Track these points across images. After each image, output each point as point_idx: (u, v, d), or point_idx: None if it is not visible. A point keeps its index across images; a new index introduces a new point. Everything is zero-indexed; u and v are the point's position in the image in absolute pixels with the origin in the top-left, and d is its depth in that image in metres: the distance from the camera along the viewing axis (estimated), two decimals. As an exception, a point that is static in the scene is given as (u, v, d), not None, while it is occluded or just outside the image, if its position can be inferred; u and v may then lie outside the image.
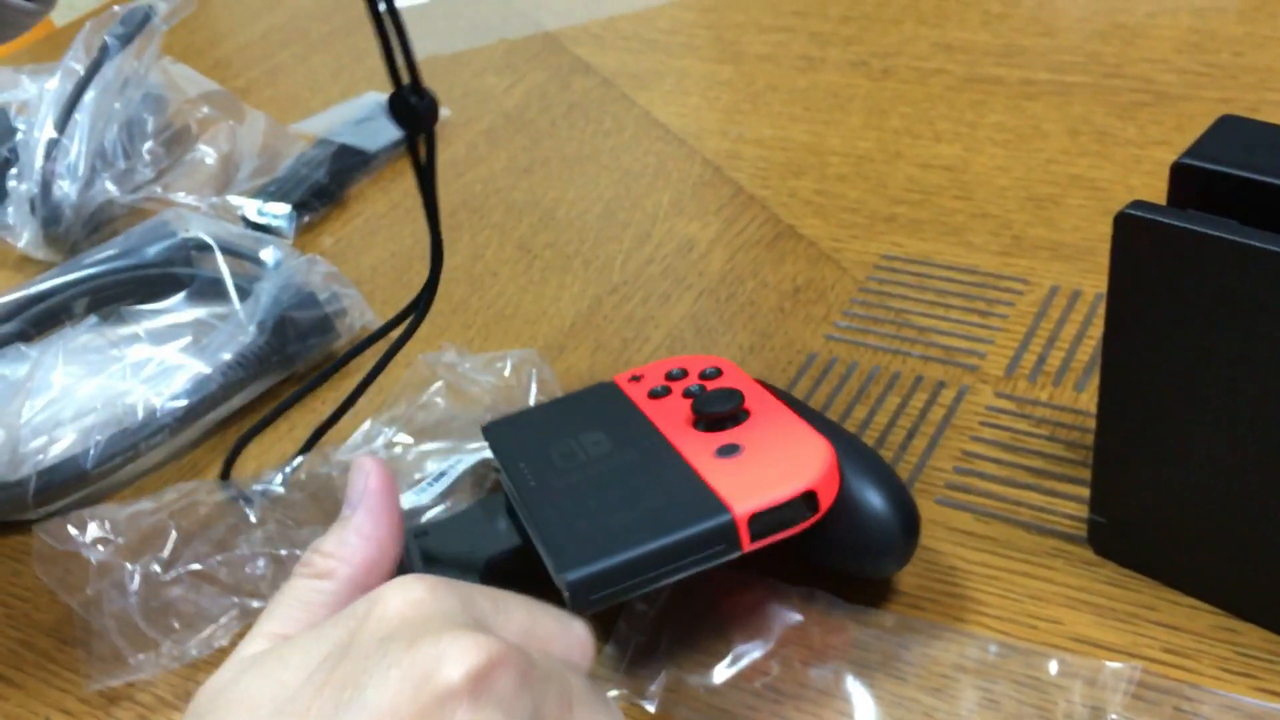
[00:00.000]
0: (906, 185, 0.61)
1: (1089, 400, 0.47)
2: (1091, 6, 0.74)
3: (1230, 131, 0.36)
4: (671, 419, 0.40)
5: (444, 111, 0.73)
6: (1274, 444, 0.34)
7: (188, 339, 0.54)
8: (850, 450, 0.38)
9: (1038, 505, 0.43)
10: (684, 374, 0.44)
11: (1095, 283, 0.53)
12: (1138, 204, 0.34)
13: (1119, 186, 0.58)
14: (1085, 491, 0.42)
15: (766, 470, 0.36)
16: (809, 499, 0.36)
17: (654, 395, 0.43)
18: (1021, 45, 0.71)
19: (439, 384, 0.49)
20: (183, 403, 0.50)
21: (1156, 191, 0.57)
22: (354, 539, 0.34)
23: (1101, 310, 0.50)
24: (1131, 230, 0.34)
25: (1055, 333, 0.50)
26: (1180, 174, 0.35)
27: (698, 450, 0.38)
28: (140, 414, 0.50)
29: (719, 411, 0.39)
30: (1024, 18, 0.74)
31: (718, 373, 0.43)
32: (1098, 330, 0.50)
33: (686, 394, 0.42)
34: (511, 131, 0.72)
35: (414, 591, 0.28)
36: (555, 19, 0.84)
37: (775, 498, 0.35)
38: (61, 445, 0.49)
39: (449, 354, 0.50)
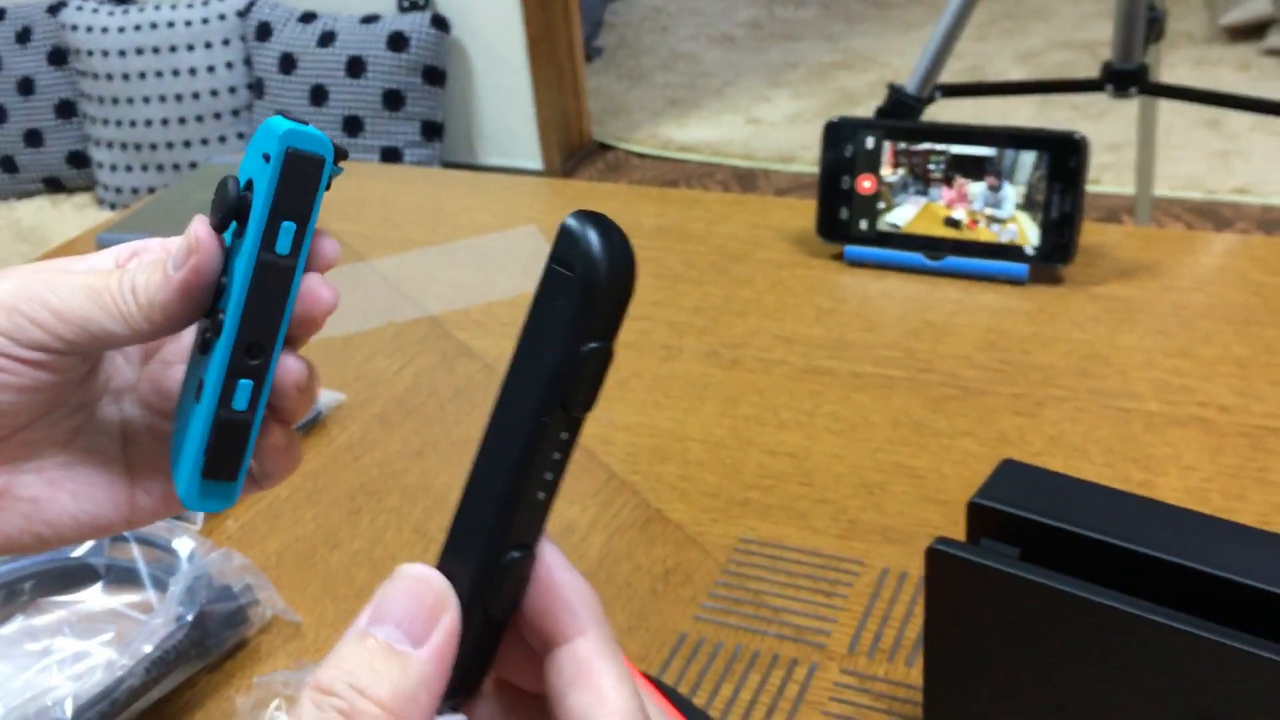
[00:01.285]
0: (758, 471, 0.70)
1: (918, 675, 0.55)
2: (906, 305, 0.86)
3: (1012, 473, 0.46)
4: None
5: (339, 395, 0.80)
6: (1059, 730, 0.43)
7: (110, 633, 0.58)
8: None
9: (880, 775, 0.50)
10: (577, 666, 0.51)
11: (918, 565, 0.62)
12: (941, 540, 0.43)
13: (934, 474, 0.69)
14: (918, 762, 0.50)
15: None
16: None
17: (552, 688, 0.49)
18: (848, 339, 0.83)
19: (276, 701, 0.54)
20: (108, 698, 0.54)
21: (963, 480, 0.68)
22: (423, 695, 0.26)
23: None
24: (937, 560, 0.43)
25: (888, 612, 0.59)
26: (975, 510, 0.45)
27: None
28: (68, 712, 0.53)
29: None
30: (850, 313, 0.86)
31: (607, 666, 0.50)
32: (920, 610, 0.59)
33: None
34: (403, 415, 0.79)
35: None
36: (438, 303, 0.93)
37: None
38: (-10, 744, 0.52)
39: (280, 674, 0.55)
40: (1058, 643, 0.42)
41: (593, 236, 0.26)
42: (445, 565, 0.29)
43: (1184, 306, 0.82)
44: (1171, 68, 1.30)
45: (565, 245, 0.27)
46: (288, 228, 0.34)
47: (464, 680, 0.29)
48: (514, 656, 0.31)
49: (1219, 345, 0.78)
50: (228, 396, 0.35)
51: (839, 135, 0.90)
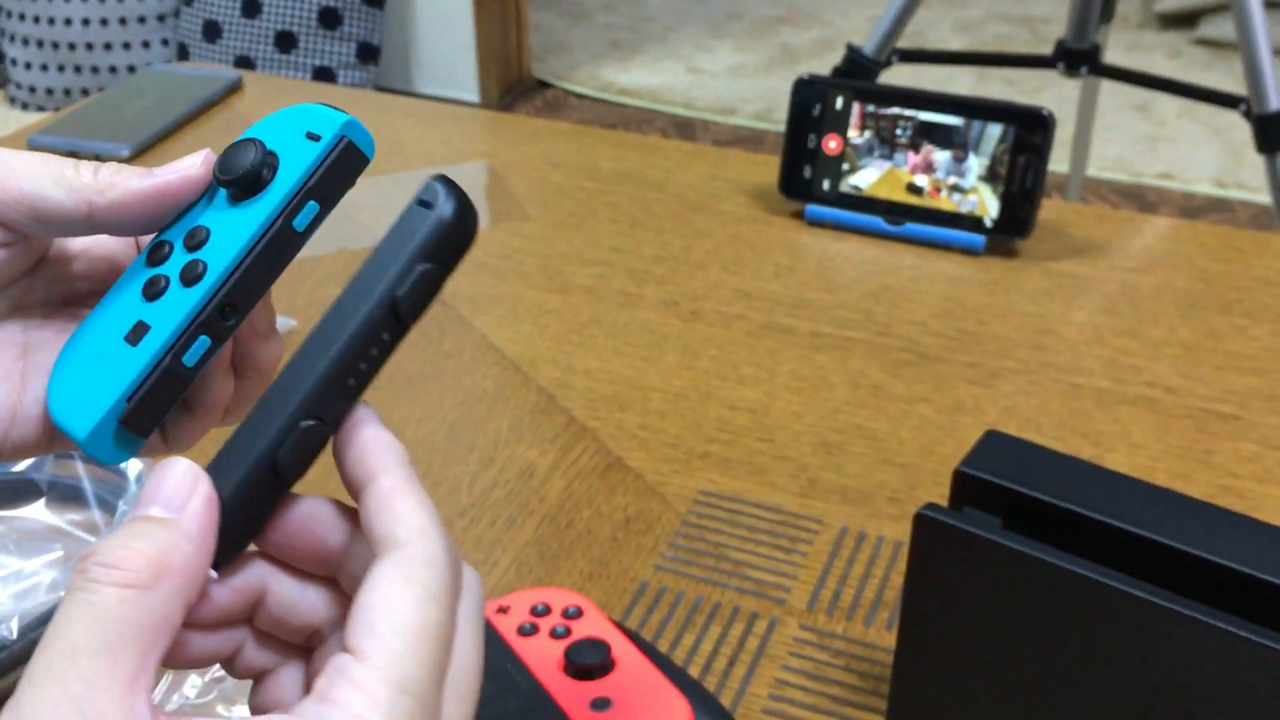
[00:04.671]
0: (717, 425, 0.71)
1: (875, 634, 0.56)
2: (864, 268, 0.87)
3: (996, 445, 0.46)
4: (543, 662, 0.47)
5: (290, 321, 0.78)
6: (1041, 711, 0.44)
7: (58, 552, 0.56)
8: (697, 699, 0.45)
9: (839, 730, 0.51)
10: (547, 610, 0.50)
11: (876, 526, 0.63)
12: (929, 506, 0.44)
13: (892, 438, 0.70)
14: (877, 718, 0.51)
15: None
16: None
17: (523, 633, 0.49)
18: (808, 298, 0.83)
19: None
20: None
21: (920, 445, 0.69)
22: (188, 547, 0.29)
23: (883, 552, 0.60)
24: (924, 526, 0.44)
25: (846, 571, 0.60)
26: (960, 478, 0.45)
27: (572, 701, 0.44)
28: (14, 632, 0.52)
29: (590, 663, 0.45)
30: (809, 272, 0.86)
31: (579, 612, 0.50)
32: (880, 570, 0.60)
33: (554, 635, 0.49)
34: (356, 346, 0.77)
35: None
36: (392, 233, 0.91)
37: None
38: (-69, 661, 0.50)
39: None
40: (1034, 612, 0.43)
41: (454, 191, 0.33)
42: (247, 426, 0.32)
43: (1133, 287, 0.84)
44: (1105, 51, 1.33)
45: (429, 191, 0.33)
46: (312, 208, 0.34)
47: (237, 535, 0.32)
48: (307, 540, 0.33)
49: (1165, 327, 0.80)
50: (181, 349, 0.34)
51: (808, 93, 0.90)
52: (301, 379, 0.32)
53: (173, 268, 0.34)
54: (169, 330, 0.34)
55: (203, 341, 0.34)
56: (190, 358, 0.34)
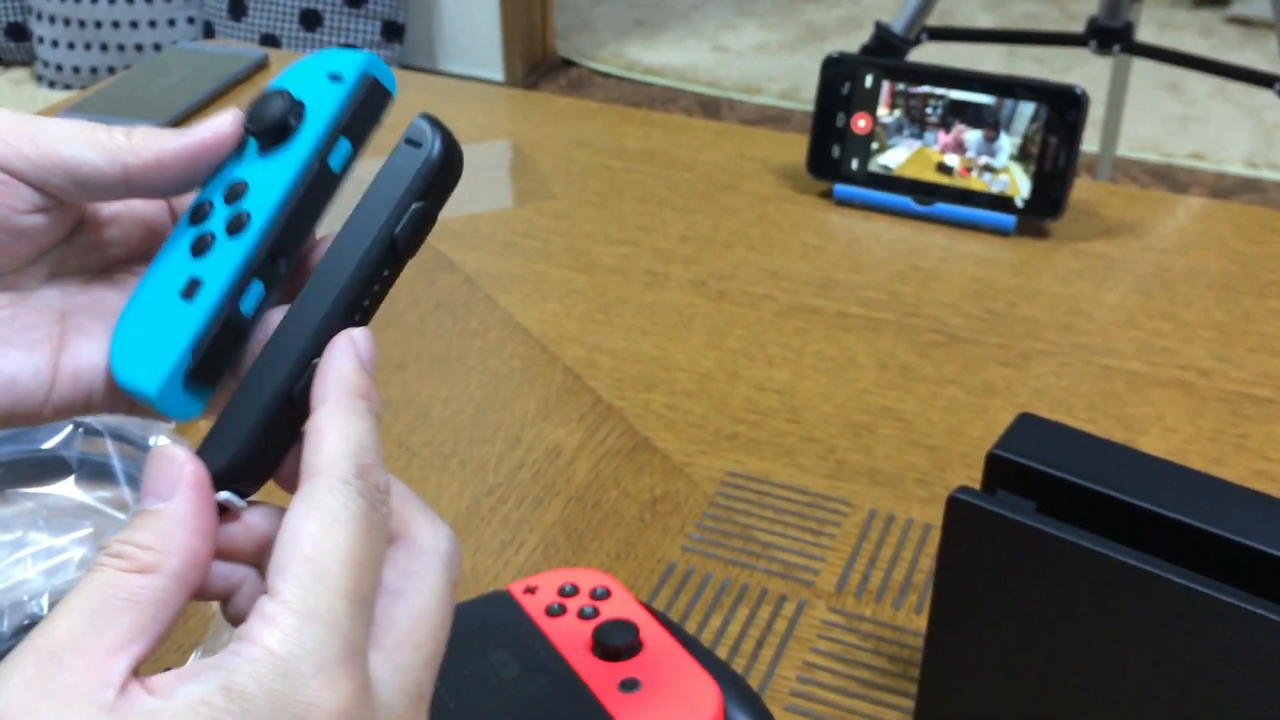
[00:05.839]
0: (745, 406, 0.70)
1: (905, 617, 0.56)
2: (893, 248, 0.86)
3: (1029, 427, 0.46)
4: (571, 642, 0.47)
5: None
6: (1071, 696, 0.43)
7: (88, 529, 0.56)
8: (725, 681, 0.45)
9: (867, 714, 0.51)
10: (575, 591, 0.50)
11: (905, 508, 0.62)
12: (962, 489, 0.43)
13: (921, 420, 0.69)
14: (907, 702, 0.50)
15: (666, 711, 0.43)
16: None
17: (551, 614, 0.49)
18: (836, 279, 0.82)
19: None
20: (85, 595, 0.53)
21: (949, 427, 0.68)
22: (180, 531, 0.30)
23: (911, 535, 0.60)
24: (957, 509, 0.43)
25: (875, 554, 0.60)
26: (993, 461, 0.45)
27: (601, 682, 0.44)
28: (45, 608, 0.52)
29: (618, 644, 0.45)
30: (837, 252, 0.86)
31: (606, 593, 0.50)
32: (909, 552, 0.59)
33: (582, 615, 0.48)
34: (383, 326, 0.77)
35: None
36: (418, 212, 0.90)
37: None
38: (-36, 636, 0.50)
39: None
40: (1067, 596, 0.42)
41: (440, 130, 0.34)
42: (262, 363, 0.33)
43: (1165, 268, 0.83)
44: (1136, 28, 1.31)
45: (417, 131, 0.34)
46: (344, 146, 0.35)
47: (258, 468, 0.33)
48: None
49: (1199, 309, 0.79)
50: (237, 297, 0.35)
51: (837, 72, 0.89)
52: (310, 317, 0.33)
53: (217, 222, 0.35)
54: (222, 281, 0.34)
55: (256, 287, 0.35)
56: (247, 305, 0.35)
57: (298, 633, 0.28)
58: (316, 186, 0.35)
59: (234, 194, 0.35)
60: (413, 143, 0.34)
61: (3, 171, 0.34)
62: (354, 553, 0.30)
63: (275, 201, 0.34)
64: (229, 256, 0.35)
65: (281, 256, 0.35)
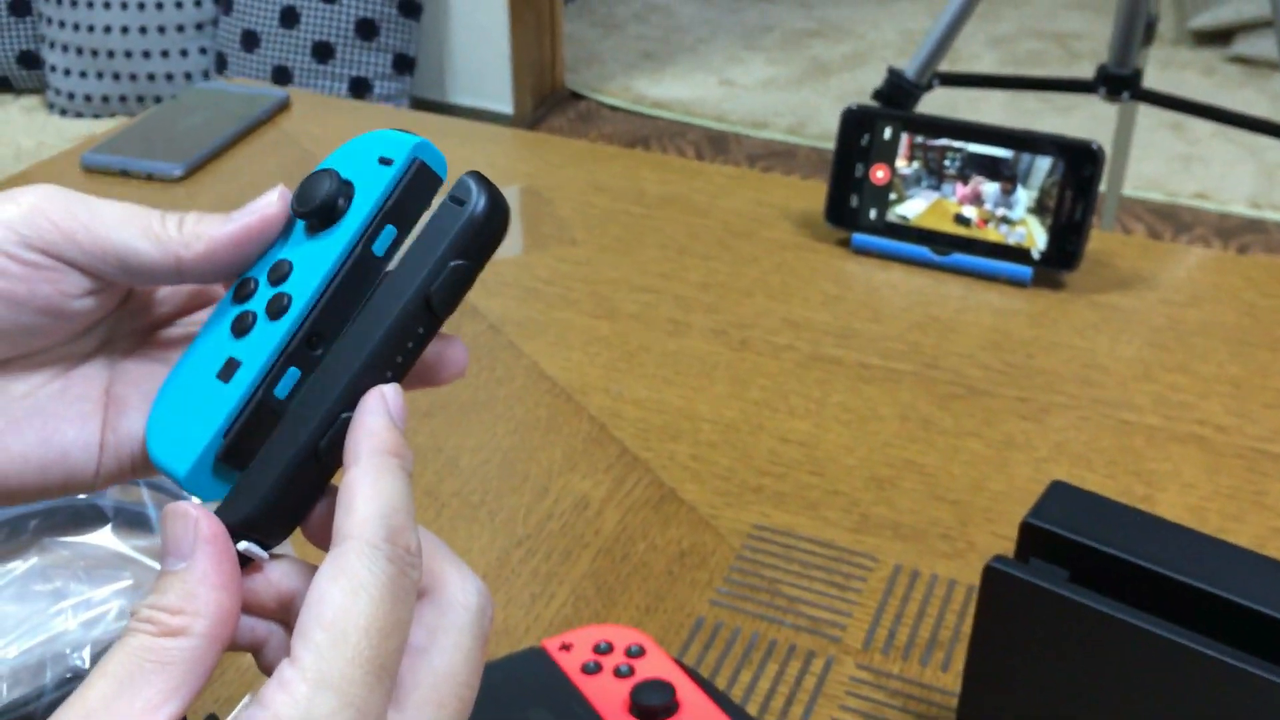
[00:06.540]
0: (769, 458, 0.71)
1: (932, 675, 0.57)
2: (911, 298, 0.87)
3: (1062, 495, 0.47)
4: (608, 702, 0.47)
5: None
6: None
7: (126, 581, 0.57)
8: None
9: (898, 773, 0.51)
10: (610, 648, 0.51)
11: (929, 564, 0.63)
12: (999, 559, 0.44)
13: (943, 473, 0.70)
14: (936, 763, 0.51)
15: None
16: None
17: (587, 671, 0.50)
18: (855, 328, 0.83)
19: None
20: (125, 647, 0.54)
21: (971, 481, 0.69)
22: (203, 590, 0.30)
23: (936, 591, 0.61)
24: (992, 578, 0.44)
25: (900, 610, 0.60)
26: (1027, 530, 0.46)
27: (643, 741, 0.45)
28: (87, 661, 0.53)
29: (655, 704, 0.46)
30: (856, 301, 0.87)
31: (641, 650, 0.51)
32: (934, 609, 0.60)
33: (619, 674, 0.49)
34: (409, 371, 0.78)
35: None
36: (442, 257, 0.91)
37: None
38: (9, 688, 0.51)
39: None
40: (1102, 665, 0.43)
41: (486, 187, 0.34)
42: (293, 416, 0.34)
43: (1180, 321, 0.84)
44: (1144, 74, 1.33)
45: (463, 188, 0.34)
46: (389, 232, 0.35)
47: (280, 521, 0.34)
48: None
49: (1214, 363, 0.80)
50: (273, 382, 0.35)
51: (857, 123, 0.90)
52: (341, 372, 0.33)
53: (259, 303, 0.35)
54: (259, 364, 0.34)
55: (292, 373, 0.35)
56: (281, 389, 0.35)
57: (308, 701, 0.29)
58: (358, 272, 0.35)
59: (277, 274, 0.35)
60: (457, 200, 0.34)
61: (57, 259, 0.34)
62: (376, 621, 0.30)
63: (316, 285, 0.34)
64: (267, 340, 0.35)
65: (320, 343, 0.35)
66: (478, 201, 0.33)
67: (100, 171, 1.03)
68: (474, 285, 0.35)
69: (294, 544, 0.36)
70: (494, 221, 0.34)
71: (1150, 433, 0.73)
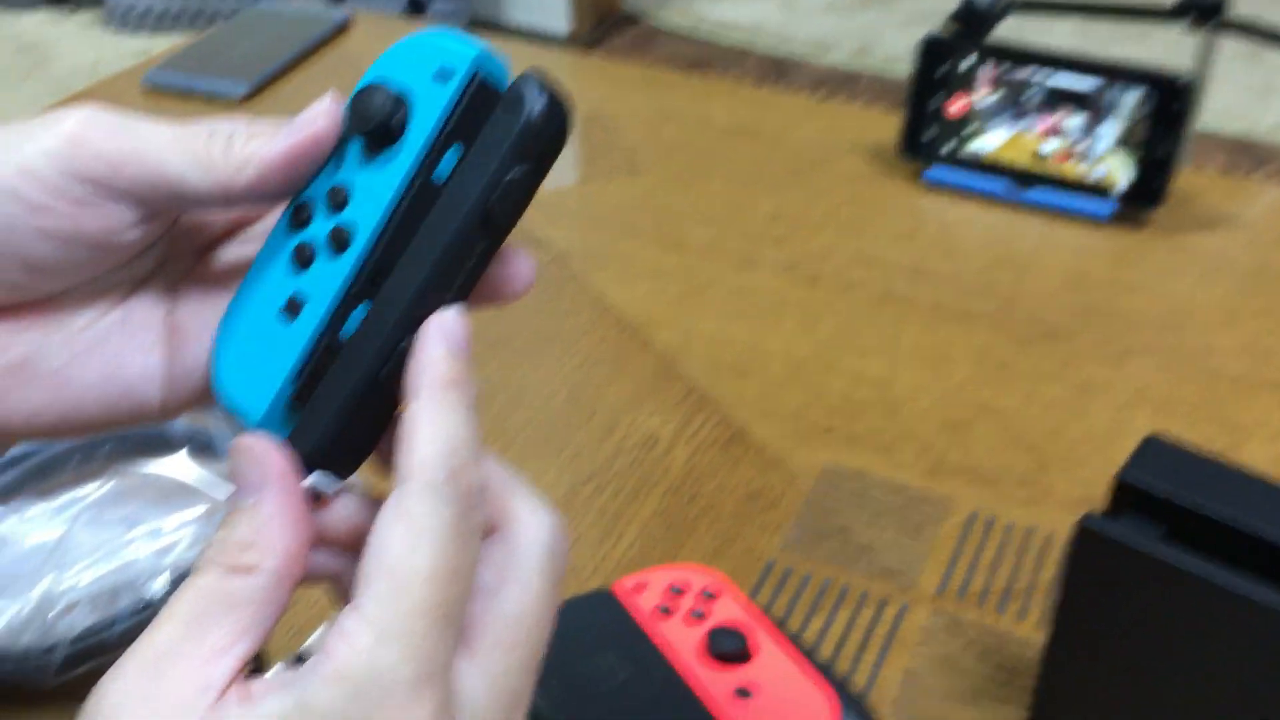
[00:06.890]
0: (840, 398, 0.70)
1: (1009, 624, 0.56)
2: (986, 235, 0.85)
3: (1156, 450, 0.45)
4: (681, 646, 0.47)
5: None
6: None
7: (199, 508, 0.57)
8: (840, 694, 0.45)
9: (973, 724, 0.51)
10: (682, 590, 0.50)
11: (1005, 511, 0.62)
12: (1089, 517, 0.43)
13: (1020, 417, 0.68)
14: (1014, 712, 0.50)
15: (784, 720, 0.43)
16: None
17: (658, 615, 0.49)
18: (928, 266, 0.81)
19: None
20: (198, 576, 0.54)
21: (1049, 426, 0.67)
22: (273, 527, 0.30)
23: (1013, 538, 0.59)
24: (1085, 536, 0.43)
25: (976, 557, 0.59)
26: (1121, 487, 0.44)
27: (712, 690, 0.44)
28: (159, 587, 0.53)
29: (730, 650, 0.45)
30: (929, 238, 0.84)
31: (715, 594, 0.50)
32: (1009, 556, 0.59)
33: (693, 617, 0.48)
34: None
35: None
36: (506, 185, 0.90)
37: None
38: (83, 615, 0.52)
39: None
40: (1194, 626, 0.42)
41: (544, 88, 0.31)
42: (355, 343, 0.32)
43: (1267, 265, 0.81)
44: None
45: (521, 88, 0.31)
46: (451, 157, 0.32)
47: (349, 453, 0.32)
48: None
49: (1303, 309, 0.77)
50: (339, 321, 0.33)
51: (935, 53, 0.87)
52: (400, 297, 0.31)
53: (318, 233, 0.33)
54: (325, 305, 0.33)
55: (358, 313, 0.33)
56: (347, 330, 0.33)
57: (369, 654, 0.28)
58: (421, 200, 0.32)
59: (336, 201, 0.33)
60: (514, 102, 0.31)
61: (104, 191, 0.33)
62: (439, 567, 0.29)
63: (378, 218, 0.32)
64: (331, 278, 0.33)
65: (384, 277, 0.33)
66: (535, 102, 0.31)
67: (161, 91, 1.02)
68: (536, 208, 0.32)
69: (372, 475, 0.36)
70: (555, 124, 0.31)
71: (1235, 380, 0.71)
